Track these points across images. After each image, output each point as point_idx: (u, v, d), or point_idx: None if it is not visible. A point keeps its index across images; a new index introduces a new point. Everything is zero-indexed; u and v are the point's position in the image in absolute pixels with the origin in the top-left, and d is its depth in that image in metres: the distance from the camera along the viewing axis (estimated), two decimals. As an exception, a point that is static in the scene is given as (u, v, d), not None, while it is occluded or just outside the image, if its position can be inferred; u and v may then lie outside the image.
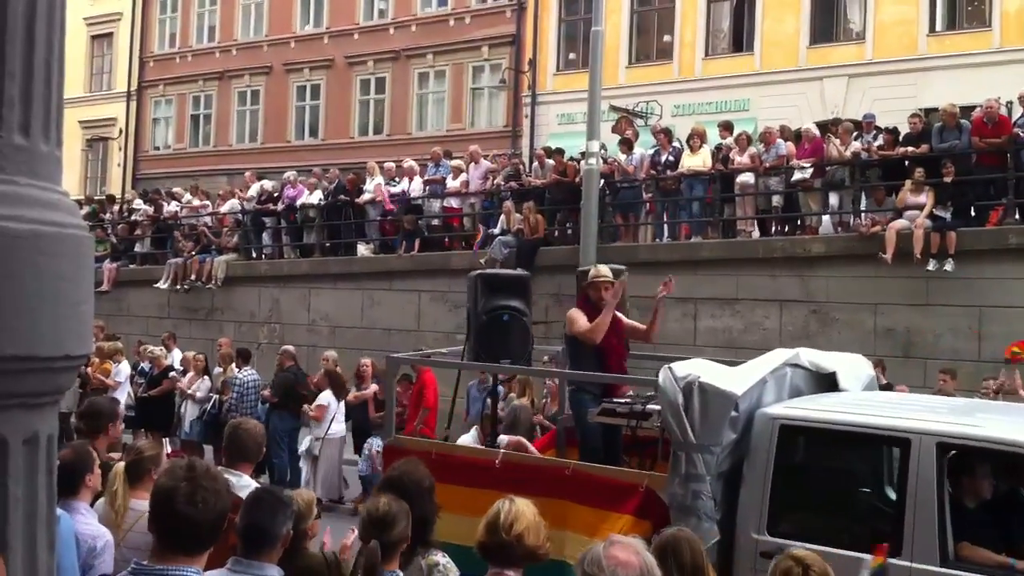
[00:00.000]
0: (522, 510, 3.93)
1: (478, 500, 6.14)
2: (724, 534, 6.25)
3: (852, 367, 7.74)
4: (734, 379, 6.57)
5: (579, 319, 7.86)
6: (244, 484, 5.15)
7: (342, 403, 14.10)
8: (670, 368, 6.55)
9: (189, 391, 15.32)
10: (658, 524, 6.06)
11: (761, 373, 6.80)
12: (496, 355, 8.49)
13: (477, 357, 8.62)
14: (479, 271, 9.06)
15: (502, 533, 3.85)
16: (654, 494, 6.49)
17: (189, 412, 15.30)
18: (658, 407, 7.00)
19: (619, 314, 8.15)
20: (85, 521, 4.78)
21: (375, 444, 13.32)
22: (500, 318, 8.49)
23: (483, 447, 8.47)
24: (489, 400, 9.82)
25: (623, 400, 7.63)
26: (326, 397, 14.04)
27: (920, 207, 14.86)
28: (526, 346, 8.79)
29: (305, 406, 14.25)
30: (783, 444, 6.37)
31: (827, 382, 7.40)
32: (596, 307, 7.88)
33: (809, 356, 7.44)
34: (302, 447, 14.20)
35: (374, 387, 14.17)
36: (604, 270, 8.23)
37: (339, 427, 14.11)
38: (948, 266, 14.45)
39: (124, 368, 16.18)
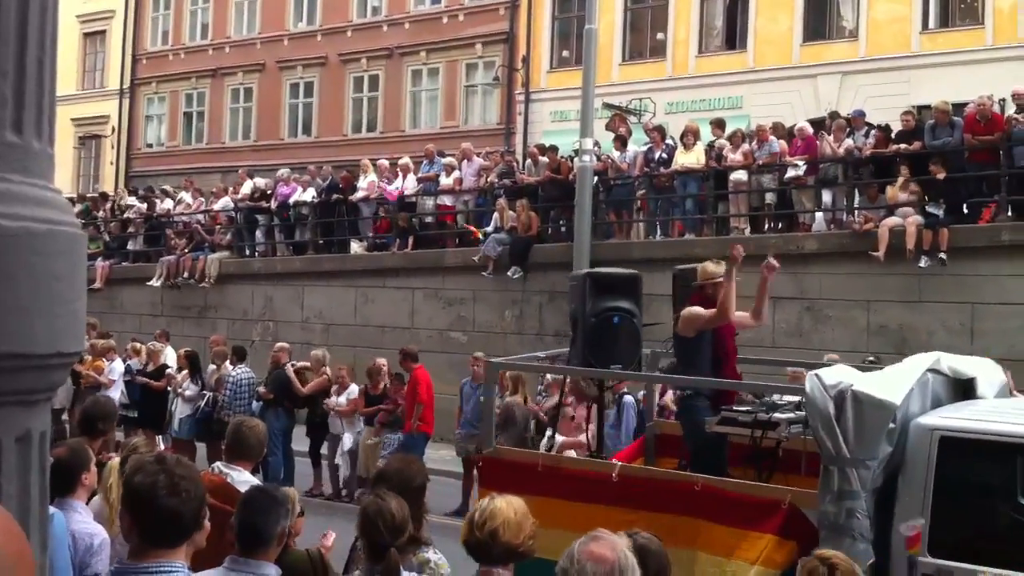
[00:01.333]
0: (500, 507, 3.94)
1: (593, 516, 5.83)
2: (878, 555, 5.87)
3: (987, 373, 7.35)
4: (888, 387, 6.11)
5: (701, 312, 7.39)
6: (244, 479, 5.18)
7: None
8: (817, 376, 6.12)
9: (179, 390, 15.31)
10: (804, 544, 5.76)
11: (911, 380, 6.37)
12: (606, 360, 7.97)
13: (586, 362, 8.06)
14: (588, 271, 8.45)
15: (475, 531, 3.87)
16: (799, 511, 6.08)
17: (179, 410, 15.27)
18: (785, 416, 6.75)
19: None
20: (82, 519, 4.78)
21: (398, 439, 13.54)
22: (610, 320, 8.00)
23: (595, 458, 7.95)
24: (595, 407, 9.32)
25: (744, 408, 7.23)
26: (356, 391, 14.25)
27: (910, 204, 14.92)
28: (637, 350, 8.24)
29: (329, 401, 14.35)
30: (943, 457, 5.96)
31: (963, 389, 7.02)
32: (715, 304, 7.47)
33: (948, 361, 7.04)
34: (346, 445, 14.27)
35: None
36: (719, 268, 7.66)
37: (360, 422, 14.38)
38: (941, 263, 14.48)
39: (117, 366, 16.15)
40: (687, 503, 6.26)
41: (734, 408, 7.21)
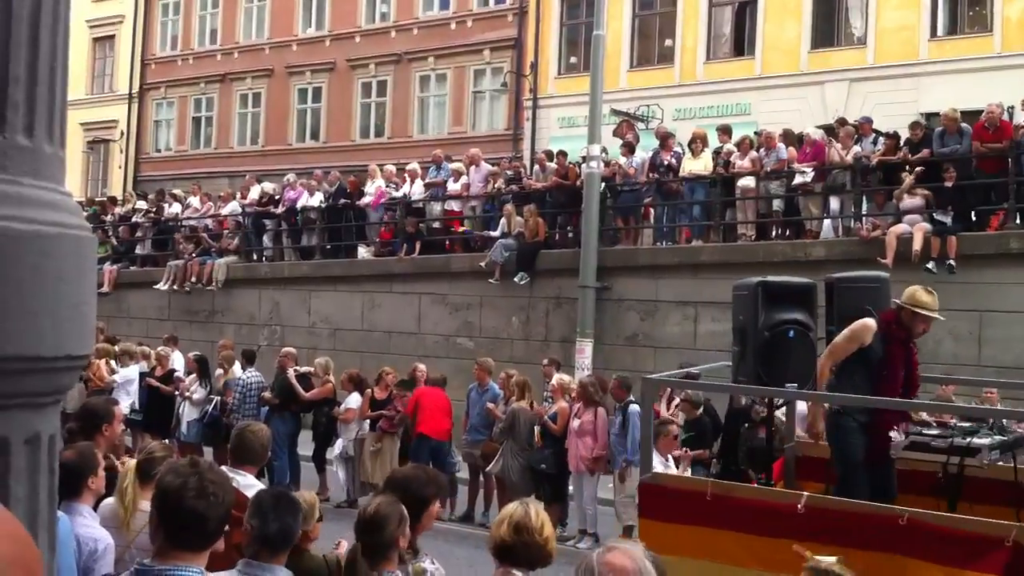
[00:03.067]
0: (545, 514, 3.99)
1: (775, 552, 5.45)
2: None
3: None
4: None
5: (849, 345, 6.77)
6: (249, 483, 5.19)
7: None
8: None
9: (187, 393, 15.34)
10: None
11: None
12: (779, 378, 7.19)
13: (757, 379, 7.29)
14: (761, 279, 7.62)
15: (534, 534, 3.88)
16: None
17: (187, 413, 15.30)
18: (986, 441, 6.26)
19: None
20: (86, 523, 4.77)
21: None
22: (785, 335, 7.22)
23: (775, 487, 7.25)
24: (761, 431, 8.59)
25: (935, 432, 6.69)
26: (354, 400, 14.16)
27: (918, 210, 14.90)
28: (812, 367, 7.40)
29: (335, 409, 14.40)
30: None
31: None
32: (903, 336, 6.92)
33: None
34: (335, 450, 14.31)
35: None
36: (931, 301, 7.00)
37: (365, 427, 14.26)
38: (949, 271, 14.45)
39: (131, 371, 16.16)
40: (890, 538, 5.68)
41: (923, 432, 6.69)
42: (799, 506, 5.97)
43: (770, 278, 7.89)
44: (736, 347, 7.58)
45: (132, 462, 5.46)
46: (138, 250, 25.24)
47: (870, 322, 6.86)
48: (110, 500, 5.31)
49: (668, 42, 25.73)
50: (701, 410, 11.73)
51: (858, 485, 6.58)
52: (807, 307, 7.44)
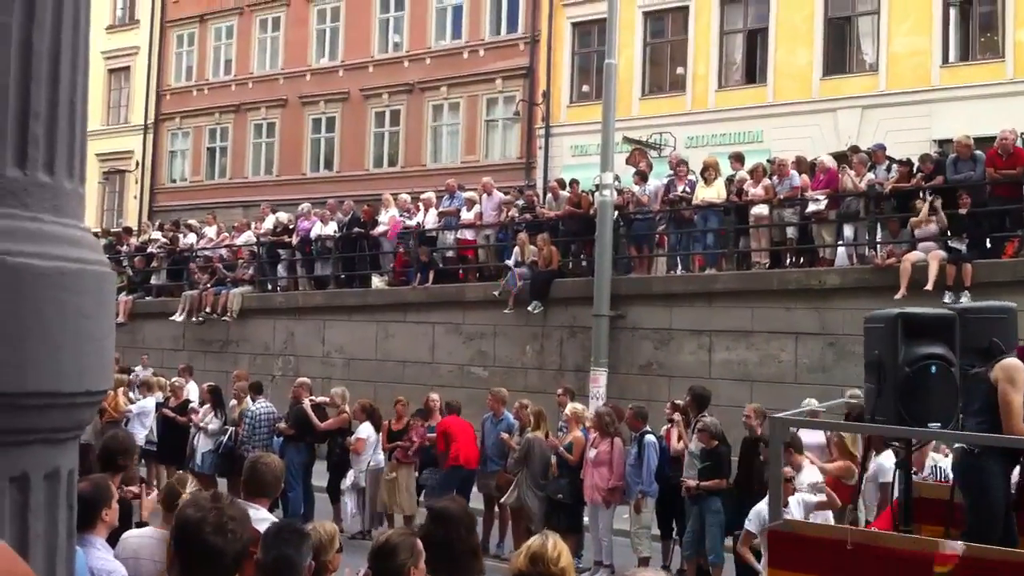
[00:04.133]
0: (565, 546, 3.97)
1: None
2: None
3: None
4: None
5: (1020, 395, 6.28)
6: (262, 517, 5.15)
7: (380, 435, 14.27)
8: None
9: (202, 424, 15.35)
10: None
11: None
12: (923, 416, 6.62)
13: (900, 419, 6.71)
14: (901, 311, 7.10)
15: (551, 565, 3.87)
16: None
17: (201, 444, 15.30)
18: None
19: None
20: (100, 556, 4.78)
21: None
22: (927, 370, 6.69)
23: (924, 537, 6.63)
24: (892, 474, 7.89)
25: None
26: (365, 430, 14.11)
27: (932, 237, 14.85)
28: (955, 404, 6.84)
29: (348, 439, 14.34)
30: None
31: None
32: None
33: None
34: (347, 481, 14.26)
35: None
36: None
37: (380, 458, 14.22)
38: (964, 298, 14.37)
39: (148, 402, 16.18)
40: None
41: None
42: (957, 555, 5.54)
43: (909, 309, 7.33)
44: (871, 383, 7.08)
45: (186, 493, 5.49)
46: (153, 280, 25.31)
47: (1019, 363, 6.47)
48: (147, 529, 5.31)
49: (680, 70, 25.80)
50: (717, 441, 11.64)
51: (997, 532, 6.18)
52: (948, 340, 6.87)
